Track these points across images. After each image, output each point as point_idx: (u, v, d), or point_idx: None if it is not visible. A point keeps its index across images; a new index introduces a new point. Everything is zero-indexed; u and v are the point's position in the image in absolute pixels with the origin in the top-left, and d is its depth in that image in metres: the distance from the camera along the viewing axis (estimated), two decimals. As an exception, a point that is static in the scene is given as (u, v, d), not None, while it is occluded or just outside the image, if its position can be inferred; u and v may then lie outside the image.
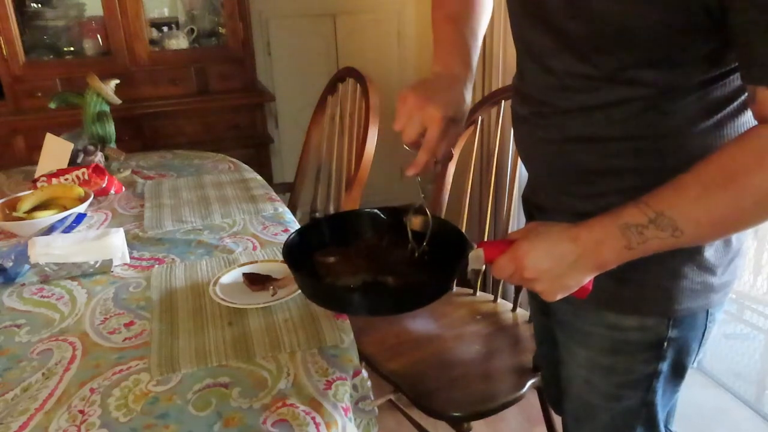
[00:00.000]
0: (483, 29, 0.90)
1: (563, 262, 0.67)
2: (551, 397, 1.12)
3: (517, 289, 1.48)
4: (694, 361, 0.83)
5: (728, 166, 0.60)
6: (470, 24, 0.88)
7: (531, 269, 0.67)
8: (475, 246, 0.73)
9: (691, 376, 0.85)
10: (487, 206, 1.56)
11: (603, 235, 0.65)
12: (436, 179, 1.57)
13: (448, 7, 0.90)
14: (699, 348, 0.82)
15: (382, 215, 0.88)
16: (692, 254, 0.74)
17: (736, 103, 0.69)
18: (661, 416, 0.86)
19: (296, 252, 0.83)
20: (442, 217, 1.56)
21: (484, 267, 0.74)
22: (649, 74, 0.67)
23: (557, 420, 1.23)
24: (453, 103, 0.77)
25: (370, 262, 0.83)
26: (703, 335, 0.81)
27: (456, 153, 1.54)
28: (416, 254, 0.83)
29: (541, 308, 0.99)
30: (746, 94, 0.67)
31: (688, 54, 0.65)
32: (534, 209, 0.91)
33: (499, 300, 1.52)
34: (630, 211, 0.64)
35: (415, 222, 0.85)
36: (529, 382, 1.24)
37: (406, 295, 0.78)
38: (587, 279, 0.69)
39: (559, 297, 0.70)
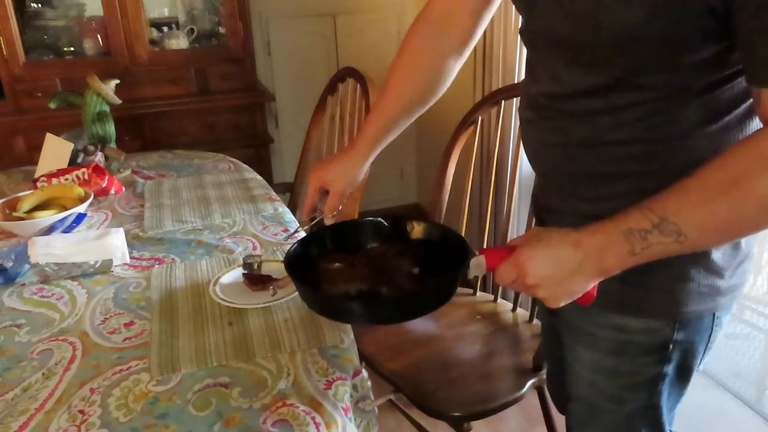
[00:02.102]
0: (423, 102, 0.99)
1: (565, 267, 0.66)
2: (556, 398, 1.11)
3: (517, 289, 1.48)
4: (699, 365, 0.83)
5: (732, 170, 0.59)
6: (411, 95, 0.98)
7: (533, 276, 0.67)
8: (477, 253, 0.73)
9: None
10: (487, 206, 1.56)
11: (606, 240, 0.65)
12: (437, 179, 1.56)
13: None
14: (705, 351, 0.82)
15: (384, 223, 0.88)
16: (700, 257, 0.74)
17: (743, 107, 0.69)
18: (666, 419, 0.85)
19: (299, 262, 0.82)
20: (442, 217, 1.56)
21: (485, 273, 0.74)
22: (655, 78, 0.66)
23: (558, 420, 1.23)
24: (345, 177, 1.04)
25: (373, 271, 0.82)
26: (710, 338, 0.80)
27: (456, 153, 1.54)
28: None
29: (547, 309, 0.99)
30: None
31: (694, 56, 0.64)
32: (542, 210, 0.91)
33: (499, 300, 1.52)
34: (633, 216, 0.63)
35: (417, 229, 0.85)
36: (529, 382, 1.24)
37: (406, 304, 0.77)
38: (591, 285, 0.69)
39: (562, 303, 0.69)
